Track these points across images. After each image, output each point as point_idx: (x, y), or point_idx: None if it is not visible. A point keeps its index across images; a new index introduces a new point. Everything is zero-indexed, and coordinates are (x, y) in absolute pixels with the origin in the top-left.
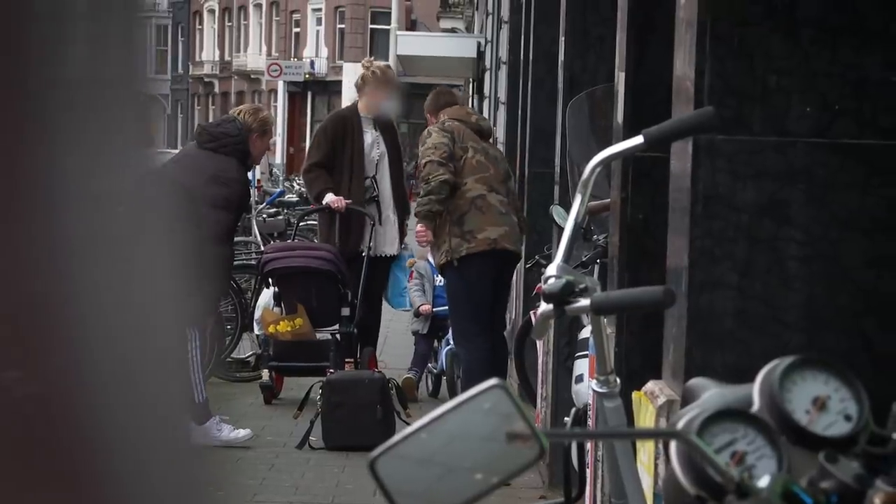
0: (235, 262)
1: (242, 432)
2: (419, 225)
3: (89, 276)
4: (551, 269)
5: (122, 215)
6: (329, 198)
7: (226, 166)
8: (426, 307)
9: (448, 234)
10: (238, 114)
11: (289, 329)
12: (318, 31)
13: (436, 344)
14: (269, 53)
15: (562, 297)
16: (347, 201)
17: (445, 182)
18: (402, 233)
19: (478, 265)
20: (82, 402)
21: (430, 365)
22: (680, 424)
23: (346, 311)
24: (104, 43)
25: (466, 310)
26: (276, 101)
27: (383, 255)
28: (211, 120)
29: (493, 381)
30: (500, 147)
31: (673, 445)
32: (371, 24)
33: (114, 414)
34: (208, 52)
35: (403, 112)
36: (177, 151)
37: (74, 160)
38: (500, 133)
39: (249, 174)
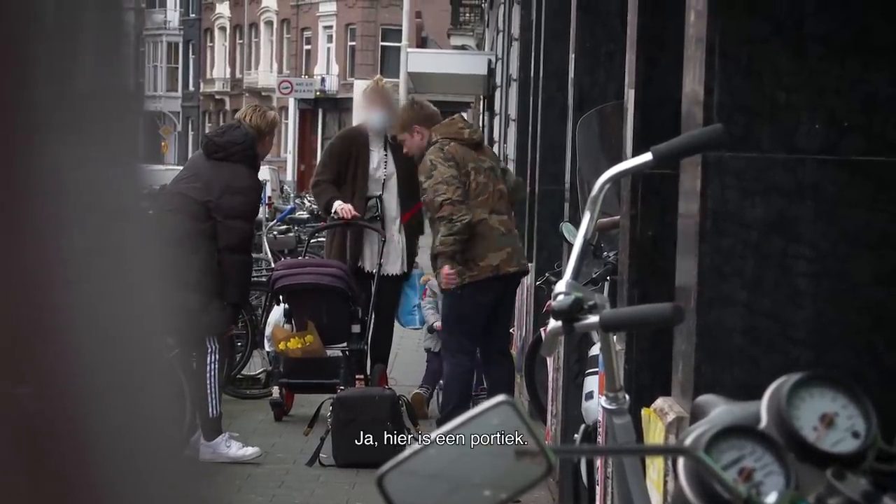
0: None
1: (251, 450)
2: (447, 267)
3: (86, 288)
4: (560, 286)
5: (119, 228)
6: (337, 205)
7: (237, 175)
8: (440, 324)
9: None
10: (244, 117)
11: (299, 346)
12: (328, 49)
13: None
14: (279, 71)
15: (570, 314)
16: (355, 214)
17: (469, 223)
18: (413, 252)
19: (479, 293)
20: (77, 412)
21: (441, 381)
22: (688, 441)
23: (356, 328)
24: (111, 60)
25: (458, 330)
26: (286, 118)
27: (386, 274)
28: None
29: (501, 398)
30: (511, 165)
31: (681, 462)
32: (382, 41)
33: (108, 424)
34: (219, 69)
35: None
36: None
37: (76, 174)
38: (510, 150)
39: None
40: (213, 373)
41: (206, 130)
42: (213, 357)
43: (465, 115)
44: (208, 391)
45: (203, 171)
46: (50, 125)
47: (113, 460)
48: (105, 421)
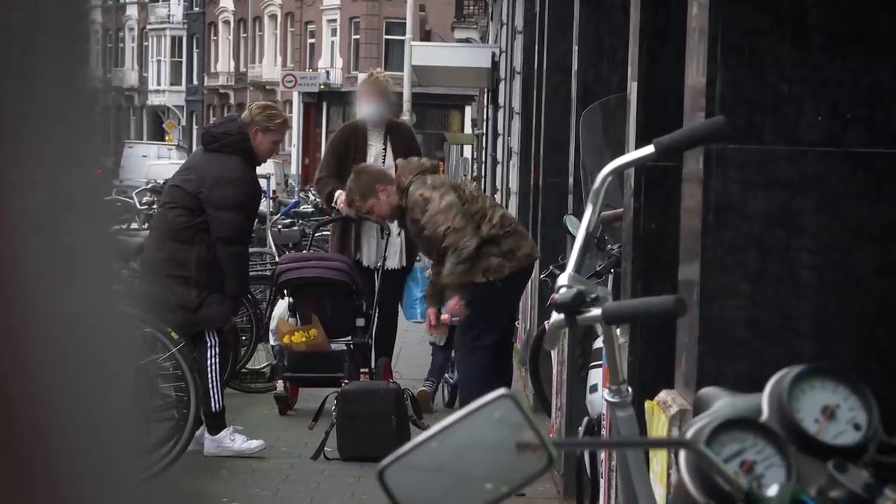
0: (251, 273)
1: (256, 443)
2: (454, 301)
3: (50, 287)
4: (563, 279)
5: (82, 225)
6: (338, 194)
7: (230, 166)
8: (444, 317)
9: (484, 254)
10: (246, 110)
11: (304, 340)
12: (332, 42)
13: (453, 354)
14: (284, 64)
15: (573, 306)
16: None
17: (475, 247)
18: (414, 246)
19: (520, 282)
20: (42, 404)
21: (446, 375)
22: (689, 434)
23: (360, 322)
24: (67, 57)
25: (492, 324)
26: (291, 111)
27: (386, 268)
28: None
29: (502, 391)
30: (515, 157)
31: (682, 455)
32: (386, 34)
33: (75, 422)
34: (223, 63)
35: (415, 122)
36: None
37: (37, 172)
38: (514, 143)
39: (264, 184)
40: (214, 367)
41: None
42: (213, 352)
43: (468, 108)
44: (210, 386)
45: (199, 163)
46: (9, 124)
47: (78, 454)
48: (72, 419)
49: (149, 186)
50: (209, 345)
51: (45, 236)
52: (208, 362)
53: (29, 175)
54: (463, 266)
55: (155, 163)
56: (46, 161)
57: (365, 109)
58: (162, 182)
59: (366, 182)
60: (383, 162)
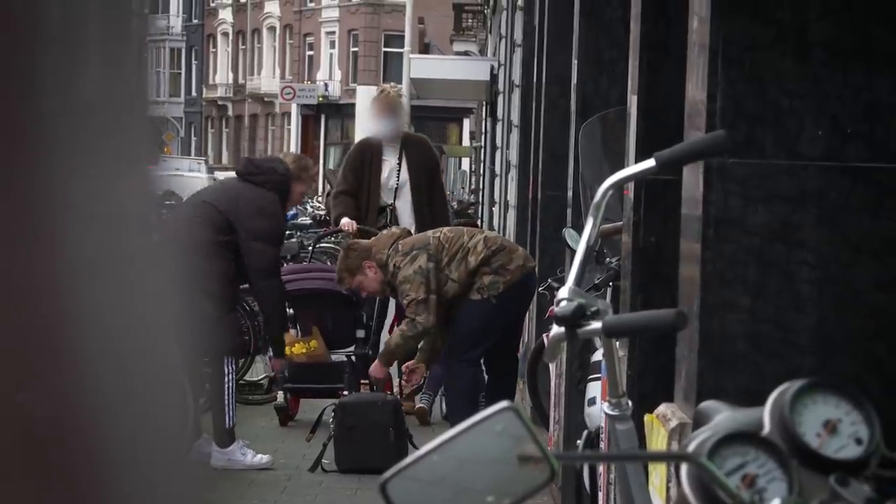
0: (247, 286)
1: (265, 458)
2: (378, 365)
3: (94, 297)
4: (563, 292)
5: (125, 236)
6: (343, 221)
7: (271, 200)
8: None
9: (478, 274)
10: (283, 156)
11: (304, 351)
12: (331, 54)
13: None
14: (282, 76)
15: (573, 319)
16: (359, 226)
17: (431, 328)
18: None
19: (518, 294)
20: (86, 418)
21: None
22: (691, 447)
23: (361, 333)
24: (116, 67)
25: (481, 339)
26: (289, 123)
27: None
28: (225, 142)
29: (504, 404)
30: (514, 170)
31: (684, 468)
32: (384, 47)
33: (116, 430)
34: (222, 75)
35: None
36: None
37: (85, 183)
38: (513, 156)
39: None
40: (230, 383)
41: (209, 136)
42: (229, 368)
43: (466, 121)
44: (225, 402)
45: (232, 188)
46: (56, 134)
47: (122, 466)
48: (114, 427)
49: None
50: (226, 361)
51: (85, 247)
52: (225, 378)
53: (69, 187)
54: (413, 341)
55: (177, 174)
56: (86, 173)
57: (377, 126)
58: (159, 192)
59: (354, 259)
60: (397, 177)
